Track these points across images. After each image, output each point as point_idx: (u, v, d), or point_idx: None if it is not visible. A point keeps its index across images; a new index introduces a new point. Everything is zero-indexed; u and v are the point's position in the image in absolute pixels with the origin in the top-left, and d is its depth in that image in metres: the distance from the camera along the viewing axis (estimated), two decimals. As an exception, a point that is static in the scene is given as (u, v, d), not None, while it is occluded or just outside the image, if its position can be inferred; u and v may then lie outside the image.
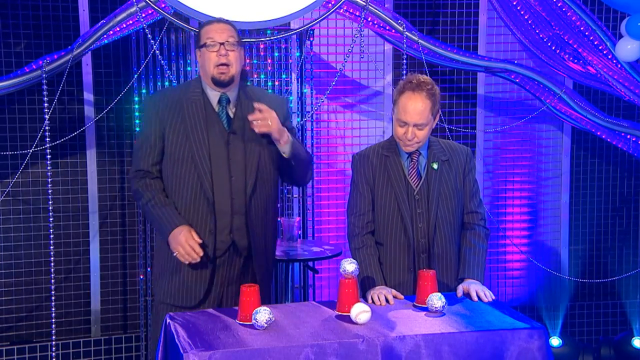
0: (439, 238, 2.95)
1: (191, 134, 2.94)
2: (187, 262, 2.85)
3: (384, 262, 2.99)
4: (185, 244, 2.80)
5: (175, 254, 2.85)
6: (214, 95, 3.00)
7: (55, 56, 3.84)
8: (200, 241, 2.83)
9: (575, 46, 4.10)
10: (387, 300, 2.75)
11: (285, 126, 3.03)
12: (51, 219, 3.95)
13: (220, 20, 3.06)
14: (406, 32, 4.12)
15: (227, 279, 3.00)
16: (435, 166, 2.96)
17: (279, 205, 4.46)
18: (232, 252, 2.98)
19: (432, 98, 2.88)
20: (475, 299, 2.72)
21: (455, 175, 2.98)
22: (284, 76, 4.49)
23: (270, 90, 4.48)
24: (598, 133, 4.45)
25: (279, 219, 3.84)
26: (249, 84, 3.12)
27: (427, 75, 4.22)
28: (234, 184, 2.95)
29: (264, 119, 2.86)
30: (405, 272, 2.97)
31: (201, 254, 2.83)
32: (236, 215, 2.95)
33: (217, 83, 2.96)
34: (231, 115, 3.00)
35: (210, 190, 2.92)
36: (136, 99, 4.16)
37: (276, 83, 4.45)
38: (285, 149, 2.96)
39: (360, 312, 2.45)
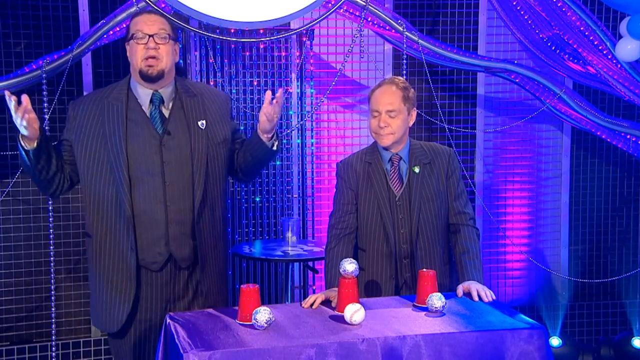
0: (422, 242, 2.94)
1: (109, 139, 2.70)
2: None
3: (366, 268, 2.98)
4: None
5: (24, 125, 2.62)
6: (144, 94, 2.75)
7: (55, 56, 3.84)
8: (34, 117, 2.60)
9: (575, 46, 4.10)
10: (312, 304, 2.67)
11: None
12: (51, 219, 3.95)
13: (150, 11, 2.89)
14: (406, 32, 4.12)
15: (171, 295, 2.79)
16: (416, 170, 2.95)
17: (279, 206, 4.48)
18: (172, 265, 2.77)
19: (404, 91, 2.91)
20: (476, 298, 2.72)
21: (437, 177, 2.97)
22: (284, 76, 4.49)
23: (270, 91, 4.47)
24: (598, 133, 4.45)
25: (268, 220, 3.70)
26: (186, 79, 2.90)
27: (427, 75, 4.28)
28: (169, 190, 2.72)
29: (276, 112, 2.75)
30: (387, 280, 2.96)
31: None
32: (173, 225, 2.73)
33: (145, 77, 2.71)
34: (166, 115, 2.76)
35: (129, 203, 2.68)
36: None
37: (276, 83, 4.46)
38: (272, 141, 2.83)
39: (353, 313, 2.43)
